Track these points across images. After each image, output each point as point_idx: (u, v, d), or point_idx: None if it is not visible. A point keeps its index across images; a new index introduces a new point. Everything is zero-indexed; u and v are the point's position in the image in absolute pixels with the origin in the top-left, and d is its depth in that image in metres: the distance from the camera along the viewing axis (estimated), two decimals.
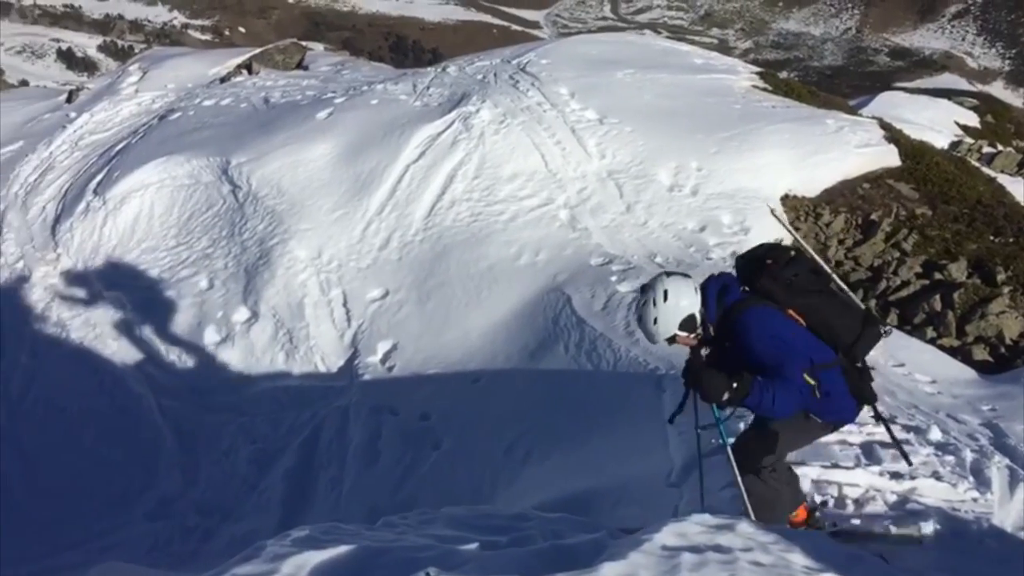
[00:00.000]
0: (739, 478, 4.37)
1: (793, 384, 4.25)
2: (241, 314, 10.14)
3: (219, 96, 15.23)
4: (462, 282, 9.88)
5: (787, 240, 9.84)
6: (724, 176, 10.91)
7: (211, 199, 11.98)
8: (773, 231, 10.13)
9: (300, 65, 17.42)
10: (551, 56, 14.28)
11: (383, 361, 9.22)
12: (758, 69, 16.03)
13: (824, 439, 4.80)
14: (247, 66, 16.96)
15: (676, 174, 11.12)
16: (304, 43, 19.72)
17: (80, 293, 11.10)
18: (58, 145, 14.67)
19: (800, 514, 4.73)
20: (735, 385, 4.24)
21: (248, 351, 9.73)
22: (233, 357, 9.75)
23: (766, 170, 11.04)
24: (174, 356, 9.99)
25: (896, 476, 5.11)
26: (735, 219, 10.29)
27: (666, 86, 13.41)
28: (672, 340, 4.60)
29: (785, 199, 10.85)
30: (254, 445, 8.72)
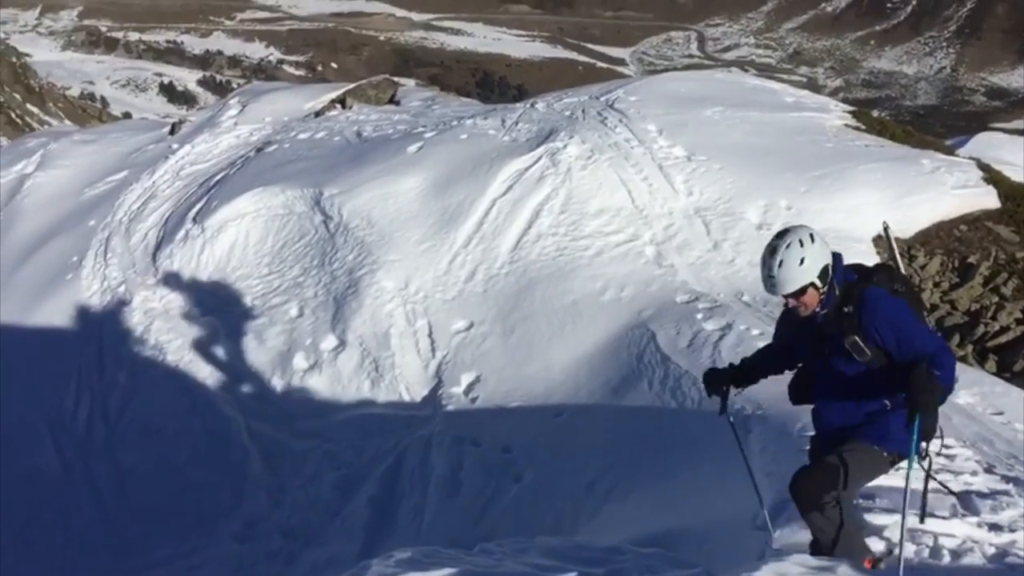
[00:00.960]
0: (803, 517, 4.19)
1: (947, 347, 4.20)
2: (329, 342, 10.35)
3: (314, 129, 15.66)
4: (546, 316, 9.92)
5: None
6: (815, 215, 10.74)
7: (303, 229, 12.29)
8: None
9: (392, 100, 17.81)
10: (639, 93, 14.32)
11: (466, 392, 9.29)
12: (851, 108, 15.78)
13: (921, 487, 4.62)
14: (341, 101, 17.43)
15: (765, 212, 11.00)
16: (395, 79, 20.15)
17: (177, 318, 11.48)
18: (161, 175, 15.26)
19: (865, 565, 4.44)
20: (936, 386, 4.11)
21: (335, 378, 9.91)
22: (320, 384, 9.95)
23: (859, 210, 10.84)
24: (264, 381, 10.24)
25: (995, 528, 4.92)
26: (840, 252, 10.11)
27: (755, 124, 13.30)
28: (802, 293, 4.40)
29: (878, 240, 10.62)
30: (338, 471, 8.86)
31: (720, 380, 5.03)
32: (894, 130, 14.64)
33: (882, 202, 11.01)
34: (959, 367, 4.66)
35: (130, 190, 15.06)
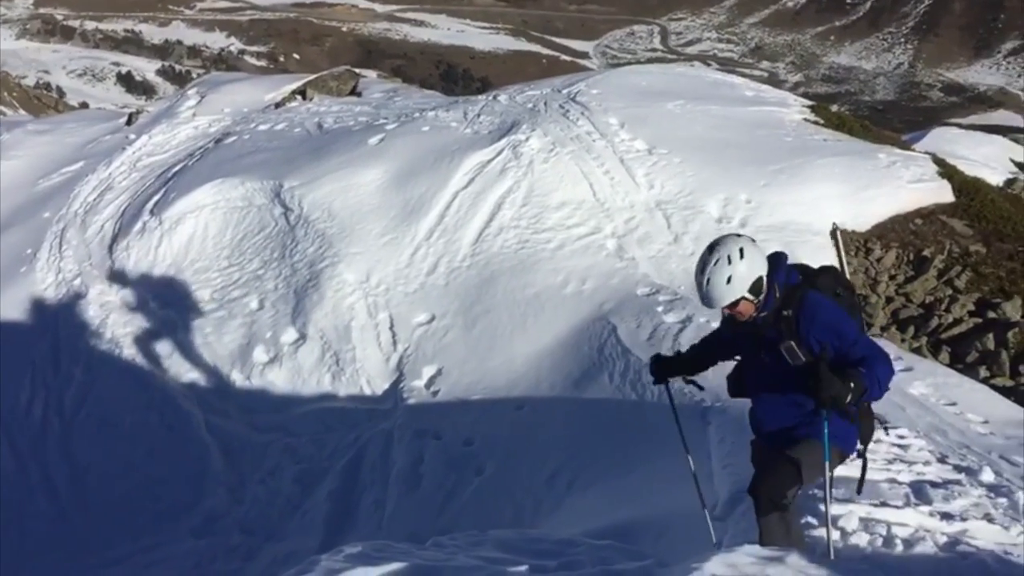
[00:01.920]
0: (759, 519, 4.20)
1: (885, 355, 4.19)
2: (289, 335, 10.28)
3: (274, 121, 15.52)
4: (508, 309, 9.93)
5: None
6: (774, 209, 10.86)
7: (263, 221, 12.19)
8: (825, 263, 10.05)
9: (353, 92, 17.70)
10: (601, 86, 14.36)
11: (428, 385, 9.28)
12: (809, 102, 15.95)
13: (875, 476, 4.71)
14: (302, 92, 17.28)
15: (725, 206, 11.09)
16: (357, 70, 20.01)
17: (134, 311, 11.32)
18: (117, 166, 15.03)
19: None
20: (852, 384, 4.10)
21: (295, 372, 9.85)
22: (280, 377, 9.87)
23: (817, 203, 10.96)
24: (223, 375, 10.15)
25: (947, 517, 5.01)
26: (784, 251, 10.23)
27: (716, 118, 13.40)
28: (735, 305, 4.42)
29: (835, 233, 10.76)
30: (299, 465, 8.81)
31: (666, 370, 5.08)
32: (852, 125, 14.82)
33: (840, 196, 11.15)
34: (913, 359, 4.74)
35: (86, 181, 14.81)
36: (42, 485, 9.13)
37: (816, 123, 14.00)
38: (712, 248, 4.43)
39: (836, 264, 5.22)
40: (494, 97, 14.79)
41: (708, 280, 4.37)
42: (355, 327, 10.10)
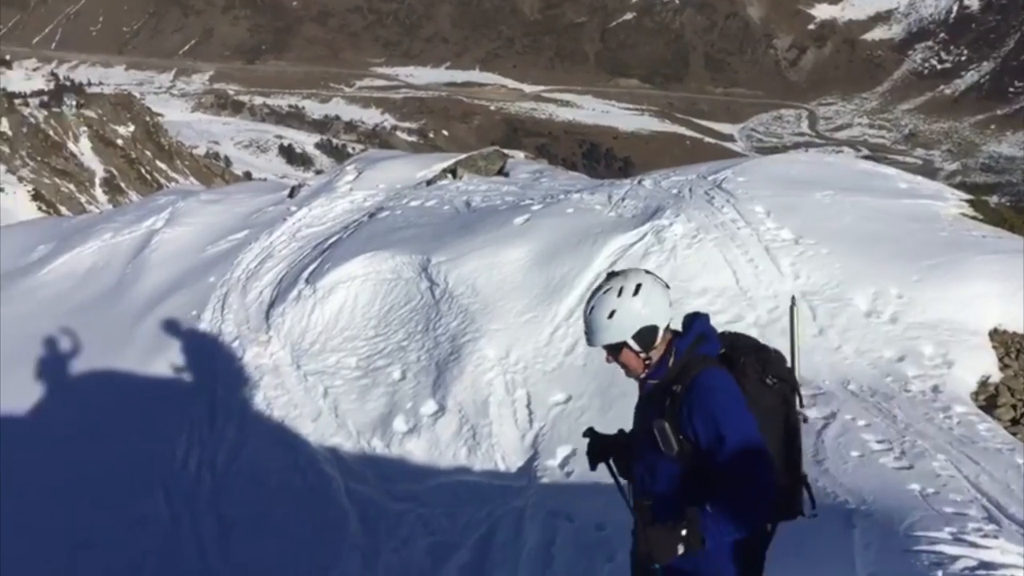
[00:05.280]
0: None
1: (758, 473, 3.43)
2: (429, 407, 10.54)
3: (425, 197, 16.14)
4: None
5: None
6: (927, 305, 10.48)
7: (410, 294, 12.63)
8: (981, 367, 9.62)
9: (501, 172, 18.24)
10: (748, 174, 14.32)
11: (562, 466, 9.29)
12: (967, 196, 15.39)
13: None
14: (452, 170, 17.93)
15: (874, 300, 10.79)
16: (505, 151, 20.63)
17: (285, 375, 11.87)
18: (278, 235, 15.92)
19: None
20: (684, 533, 3.41)
21: (433, 443, 10.06)
22: (418, 448, 10.11)
23: (974, 302, 10.52)
24: (364, 442, 10.47)
25: None
26: (937, 351, 9.83)
27: (867, 209, 13.11)
28: (616, 351, 3.77)
29: (994, 333, 10.28)
30: (432, 537, 8.93)
31: (603, 451, 4.36)
32: (1013, 221, 14.20)
33: (999, 295, 10.67)
34: None
35: (249, 249, 15.76)
36: (192, 537, 9.58)
37: (974, 218, 13.50)
38: (610, 275, 3.86)
39: (791, 346, 4.49)
40: (639, 181, 14.96)
41: (592, 308, 3.79)
42: (493, 403, 10.27)
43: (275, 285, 14.16)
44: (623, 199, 13.93)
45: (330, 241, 15.08)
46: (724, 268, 11.52)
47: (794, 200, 13.25)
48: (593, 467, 4.43)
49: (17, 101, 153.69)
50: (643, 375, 3.91)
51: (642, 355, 3.82)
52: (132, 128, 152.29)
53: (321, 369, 11.78)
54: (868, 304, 10.74)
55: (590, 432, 4.42)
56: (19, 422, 12.39)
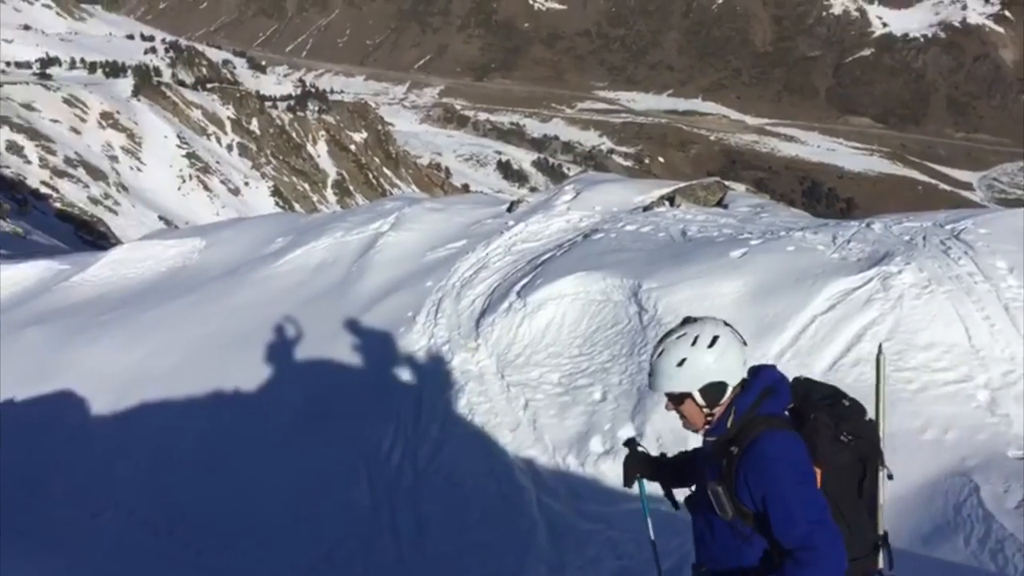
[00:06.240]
0: None
1: (833, 554, 3.20)
2: (627, 431, 10.50)
3: (640, 223, 16.14)
4: None
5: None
6: None
7: (617, 317, 12.66)
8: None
9: (720, 203, 17.95)
10: (991, 226, 13.33)
11: None
12: None
13: None
14: (670, 198, 17.83)
15: None
16: (724, 181, 20.29)
17: (489, 382, 12.21)
18: (494, 248, 16.41)
19: None
20: None
21: None
22: (612, 471, 10.08)
23: None
24: (559, 458, 10.59)
25: None
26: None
27: None
28: (679, 401, 3.63)
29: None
30: (619, 562, 8.90)
31: (640, 468, 4.26)
32: None
33: None
34: None
35: (465, 258, 16.34)
36: (389, 527, 10.04)
37: None
38: (686, 321, 3.63)
39: (876, 399, 3.97)
40: (867, 224, 14.26)
41: (661, 352, 3.58)
42: (691, 435, 10.09)
43: (487, 295, 14.60)
44: (848, 241, 13.35)
45: (544, 257, 15.37)
46: (956, 323, 10.79)
47: None
48: (627, 482, 4.35)
49: (267, 104, 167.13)
50: (702, 431, 3.77)
51: (705, 410, 3.67)
52: (365, 135, 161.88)
53: (524, 381, 12.01)
54: None
55: (630, 443, 4.33)
56: (244, 401, 13.44)
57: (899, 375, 10.21)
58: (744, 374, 3.72)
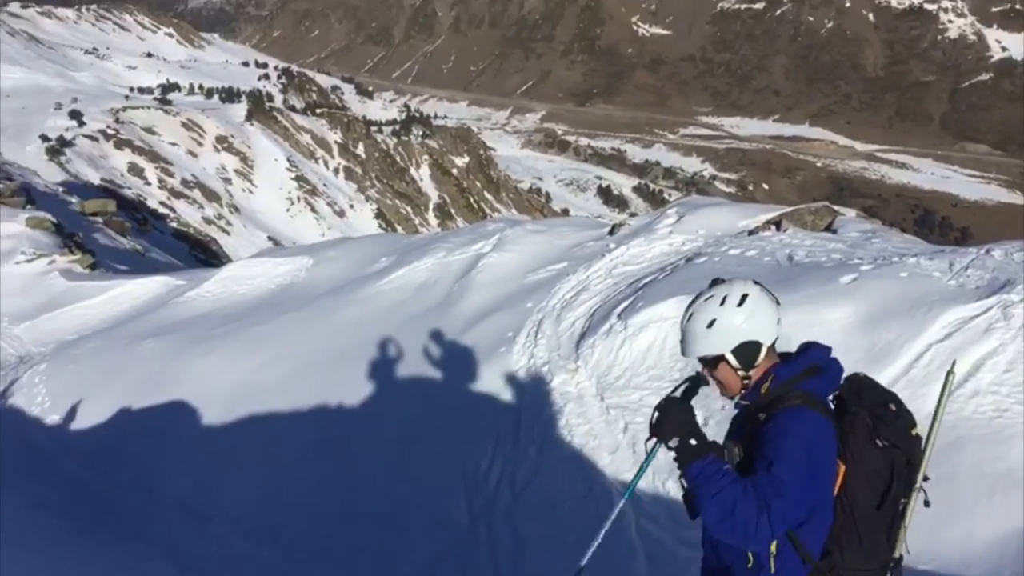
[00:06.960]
0: None
1: (762, 517, 3.06)
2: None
3: (745, 247, 15.84)
4: (973, 480, 8.96)
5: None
6: None
7: None
8: None
9: (828, 228, 17.47)
10: None
11: None
12: None
13: None
14: (776, 223, 17.45)
15: None
16: (836, 207, 19.75)
17: (588, 405, 12.12)
18: (595, 270, 16.34)
19: None
20: (693, 443, 3.19)
21: None
22: None
23: None
24: (659, 483, 10.39)
25: None
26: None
27: None
28: (713, 365, 3.47)
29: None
30: None
31: (677, 429, 3.78)
32: None
33: None
34: None
35: (566, 280, 16.31)
36: (486, 546, 10.03)
37: None
38: (714, 282, 3.54)
39: (934, 415, 3.68)
40: (987, 251, 13.65)
41: (690, 316, 3.48)
42: None
43: (587, 317, 14.52)
44: (966, 268, 12.80)
45: (645, 281, 15.22)
46: None
47: None
48: (663, 437, 3.98)
49: (373, 128, 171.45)
50: (737, 397, 3.68)
51: (740, 373, 3.58)
52: (467, 159, 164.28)
53: (624, 404, 11.88)
54: None
55: (694, 381, 4.06)
56: (348, 415, 13.68)
57: (1020, 408, 9.69)
58: (777, 334, 3.67)
